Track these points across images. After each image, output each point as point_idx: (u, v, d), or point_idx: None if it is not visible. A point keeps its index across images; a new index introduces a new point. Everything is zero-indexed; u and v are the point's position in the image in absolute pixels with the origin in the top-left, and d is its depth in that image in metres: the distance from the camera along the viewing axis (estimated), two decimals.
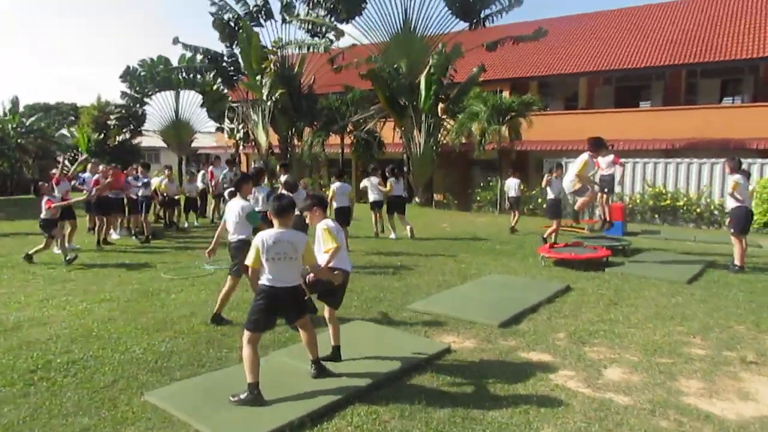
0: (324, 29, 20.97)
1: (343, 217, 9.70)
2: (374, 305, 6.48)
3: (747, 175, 9.13)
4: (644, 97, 24.19)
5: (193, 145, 28.09)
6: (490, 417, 3.71)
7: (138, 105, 25.47)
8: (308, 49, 20.74)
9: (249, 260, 3.82)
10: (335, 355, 4.47)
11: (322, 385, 4.05)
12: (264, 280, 3.82)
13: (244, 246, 5.21)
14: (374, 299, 6.72)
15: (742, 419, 3.75)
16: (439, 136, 19.40)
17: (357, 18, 19.61)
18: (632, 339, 5.35)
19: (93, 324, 5.68)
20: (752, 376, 4.52)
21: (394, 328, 5.60)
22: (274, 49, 21.07)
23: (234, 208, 5.58)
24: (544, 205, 13.01)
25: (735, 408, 3.93)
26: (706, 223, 14.62)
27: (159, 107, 25.60)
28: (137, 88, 24.81)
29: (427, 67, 17.86)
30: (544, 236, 10.29)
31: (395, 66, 18.64)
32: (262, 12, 22.34)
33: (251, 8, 22.18)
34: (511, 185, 13.48)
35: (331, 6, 19.66)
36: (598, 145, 8.46)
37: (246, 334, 3.83)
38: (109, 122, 25.46)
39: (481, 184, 18.74)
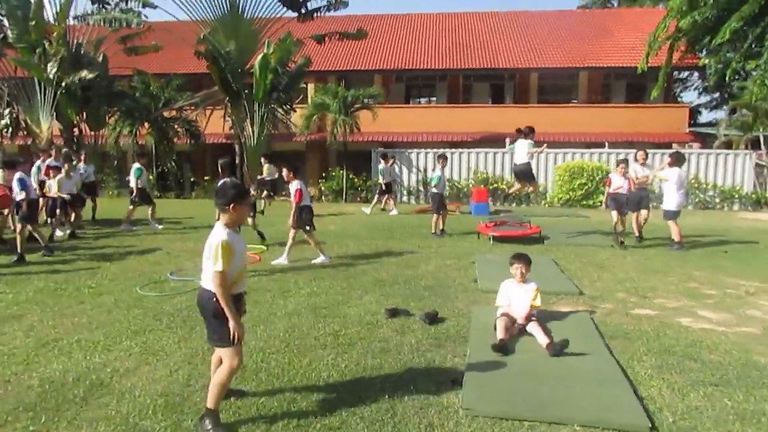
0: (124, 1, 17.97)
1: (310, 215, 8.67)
2: (445, 290, 6.45)
3: None
4: (431, 95, 27.56)
5: None
6: (718, 361, 4.41)
7: None
8: (110, 24, 17.45)
9: None
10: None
11: (579, 373, 4.16)
12: None
13: None
14: (436, 286, 6.64)
15: None
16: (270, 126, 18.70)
17: None
18: (666, 290, 6.65)
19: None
20: None
21: None
22: (59, 23, 16.97)
23: None
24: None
25: None
26: (523, 201, 17.81)
27: None
28: None
29: (262, 55, 17.01)
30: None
31: (227, 49, 17.21)
32: None
33: None
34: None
35: None
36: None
37: None
38: None
39: (323, 175, 18.84)
